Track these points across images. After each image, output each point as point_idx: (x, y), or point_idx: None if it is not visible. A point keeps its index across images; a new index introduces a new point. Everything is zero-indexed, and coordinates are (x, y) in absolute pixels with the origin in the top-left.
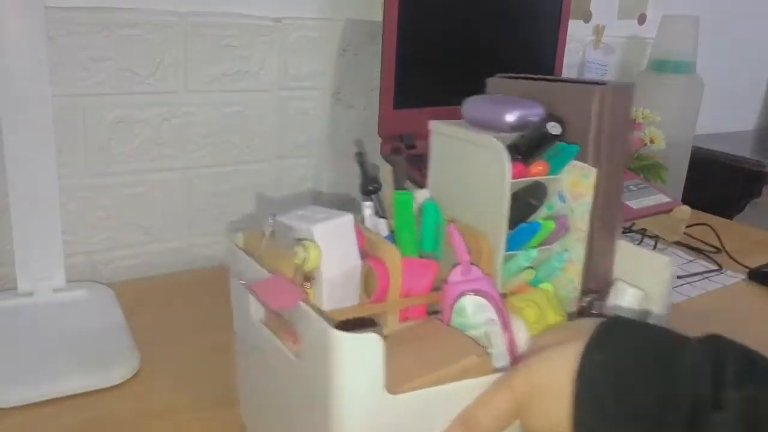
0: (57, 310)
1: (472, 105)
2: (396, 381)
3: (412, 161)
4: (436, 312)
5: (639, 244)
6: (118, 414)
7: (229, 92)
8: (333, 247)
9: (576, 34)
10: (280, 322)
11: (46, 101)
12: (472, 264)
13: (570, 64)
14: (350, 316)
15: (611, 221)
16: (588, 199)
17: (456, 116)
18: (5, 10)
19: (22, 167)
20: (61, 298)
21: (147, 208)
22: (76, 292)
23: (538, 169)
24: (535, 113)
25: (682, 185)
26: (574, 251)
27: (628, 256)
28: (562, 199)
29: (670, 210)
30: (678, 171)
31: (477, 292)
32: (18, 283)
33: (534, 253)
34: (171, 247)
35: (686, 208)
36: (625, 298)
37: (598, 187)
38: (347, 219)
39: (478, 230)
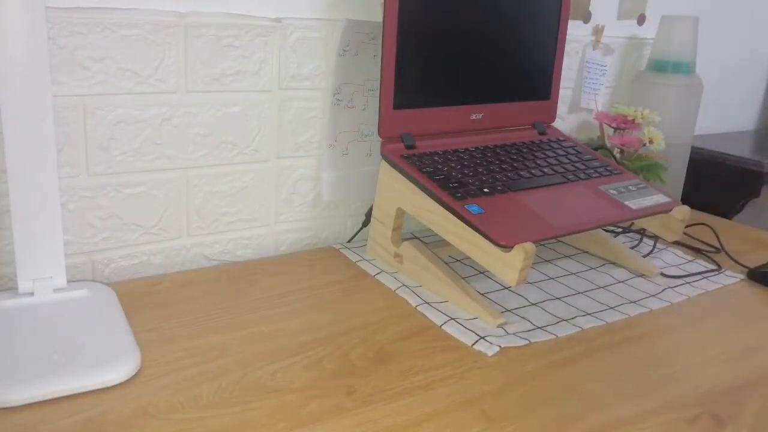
0: (57, 310)
1: None
2: None
3: (412, 161)
4: None
5: (638, 244)
6: (118, 414)
7: (229, 92)
8: None
9: (575, 34)
10: None
11: (46, 101)
12: None
13: (570, 64)
14: None
15: None
16: None
17: (456, 116)
18: (5, 10)
19: (22, 167)
20: (62, 298)
21: (147, 208)
22: (77, 292)
23: None
24: None
25: (682, 185)
26: None
27: None
28: None
29: (670, 210)
30: (677, 171)
31: None
32: (18, 282)
33: None
34: (171, 247)
35: (686, 208)
36: None
37: None
38: None
39: None
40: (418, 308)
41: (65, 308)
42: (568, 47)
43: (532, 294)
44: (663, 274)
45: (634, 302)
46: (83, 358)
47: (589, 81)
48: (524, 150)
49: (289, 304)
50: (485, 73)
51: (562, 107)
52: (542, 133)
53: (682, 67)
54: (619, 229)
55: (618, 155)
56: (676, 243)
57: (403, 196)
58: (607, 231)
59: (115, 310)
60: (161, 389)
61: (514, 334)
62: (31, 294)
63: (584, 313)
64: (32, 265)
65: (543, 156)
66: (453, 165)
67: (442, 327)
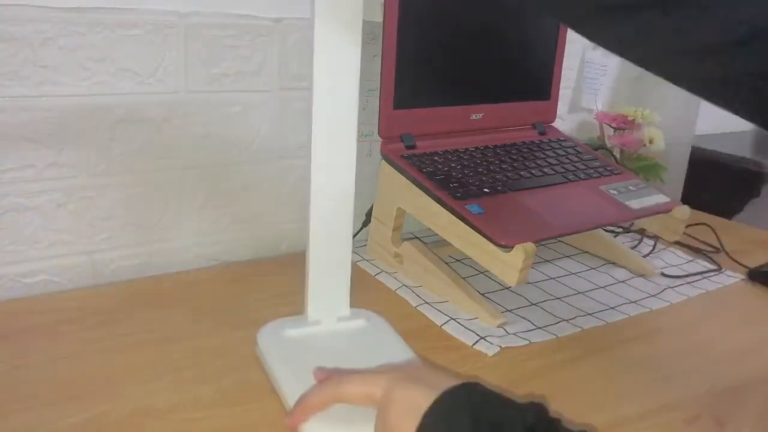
0: (343, 338)
1: None
2: None
3: (412, 161)
4: None
5: (638, 244)
6: (119, 414)
7: (229, 92)
8: None
9: (576, 34)
10: None
11: (353, 133)
12: None
13: (570, 64)
14: None
15: None
16: None
17: (456, 116)
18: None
19: (323, 217)
20: (345, 327)
21: (147, 208)
22: (357, 321)
23: None
24: None
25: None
26: None
27: None
28: None
29: (670, 210)
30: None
31: None
32: (308, 312)
33: None
34: (171, 247)
35: (686, 208)
36: None
37: None
38: None
39: None
40: (418, 308)
41: (349, 336)
42: (568, 47)
43: (532, 294)
44: (663, 274)
45: (634, 302)
46: None
47: (589, 81)
48: (524, 150)
49: (289, 304)
50: (485, 73)
51: (562, 107)
52: (542, 133)
53: None
54: (619, 229)
55: (618, 155)
56: (676, 243)
57: (403, 196)
58: (607, 231)
59: (395, 337)
60: (161, 389)
61: (514, 334)
62: (319, 323)
63: (584, 313)
64: (322, 297)
65: (543, 156)
66: (453, 165)
67: (443, 327)
